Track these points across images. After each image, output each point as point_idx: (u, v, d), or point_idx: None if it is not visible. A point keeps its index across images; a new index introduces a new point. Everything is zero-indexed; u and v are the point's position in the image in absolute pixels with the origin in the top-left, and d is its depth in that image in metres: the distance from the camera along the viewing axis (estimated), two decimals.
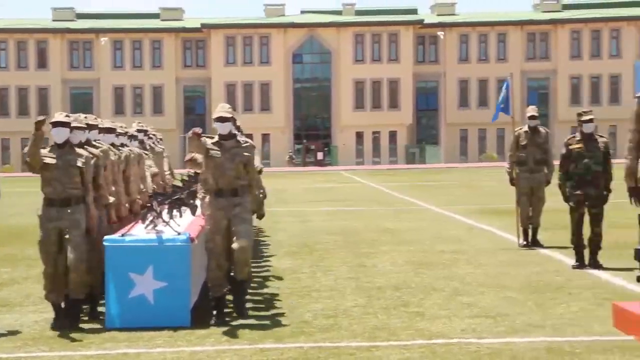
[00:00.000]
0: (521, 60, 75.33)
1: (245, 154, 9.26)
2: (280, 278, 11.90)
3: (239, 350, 7.86)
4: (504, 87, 15.72)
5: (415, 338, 8.14)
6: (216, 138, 9.31)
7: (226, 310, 9.28)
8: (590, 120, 12.56)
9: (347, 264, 13.19)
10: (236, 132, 9.52)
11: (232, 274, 9.46)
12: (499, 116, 15.89)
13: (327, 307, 9.76)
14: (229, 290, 9.44)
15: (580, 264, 12.42)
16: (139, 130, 13.49)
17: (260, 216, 13.73)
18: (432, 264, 12.95)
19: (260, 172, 12.07)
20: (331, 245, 15.66)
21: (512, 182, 15.10)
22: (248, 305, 9.66)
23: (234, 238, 9.10)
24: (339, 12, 78.84)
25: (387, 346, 7.87)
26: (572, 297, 10.02)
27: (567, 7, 78.67)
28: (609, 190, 12.54)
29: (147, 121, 26.27)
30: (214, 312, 9.15)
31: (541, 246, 14.65)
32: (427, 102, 76.77)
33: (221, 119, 9.25)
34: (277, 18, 76.58)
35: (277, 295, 10.61)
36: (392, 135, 75.29)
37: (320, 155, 73.88)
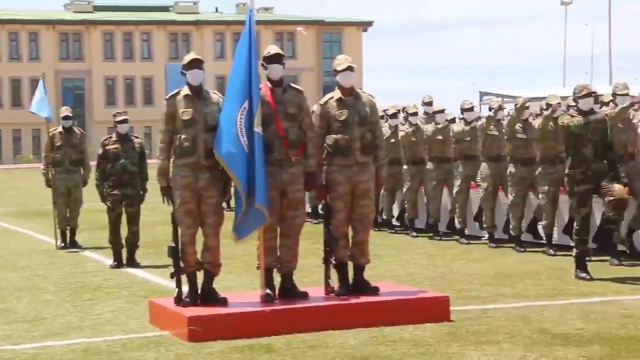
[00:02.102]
0: (55, 60, 74.47)
1: None
2: None
3: None
4: (39, 88, 15.38)
5: None
6: None
7: None
8: (125, 121, 12.75)
9: None
10: None
11: None
12: (44, 113, 15.25)
13: None
14: None
15: (118, 263, 12.56)
16: None
17: None
18: None
19: None
20: None
21: (49, 183, 14.92)
22: None
23: None
24: None
25: None
26: (109, 296, 10.11)
27: (98, 8, 79.06)
28: (145, 190, 12.83)
29: None
30: None
31: (79, 247, 14.62)
32: None
33: None
34: None
35: None
36: None
37: None
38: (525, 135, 12.95)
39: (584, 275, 10.38)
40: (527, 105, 13.16)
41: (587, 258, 10.62)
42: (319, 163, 8.67)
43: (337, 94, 8.79)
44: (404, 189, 15.58)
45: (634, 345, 7.19)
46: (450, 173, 14.57)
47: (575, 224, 10.65)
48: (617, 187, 10.32)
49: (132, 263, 12.60)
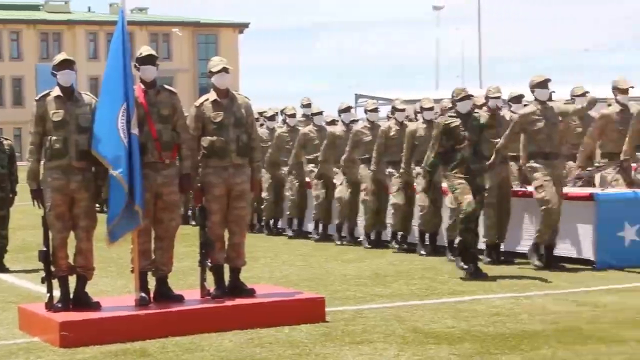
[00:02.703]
0: None
1: None
2: None
3: None
4: None
5: None
6: None
7: None
8: None
9: None
10: None
11: None
12: None
13: None
14: None
15: None
16: None
17: None
18: None
19: None
20: None
21: None
22: None
23: None
24: None
25: None
26: None
27: None
28: (14, 193, 12.52)
29: None
30: None
31: None
32: None
33: None
34: None
35: None
36: None
37: None
38: (399, 138, 13.15)
39: (462, 264, 10.61)
40: (429, 107, 13.34)
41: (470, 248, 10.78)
42: (194, 165, 8.62)
43: (212, 95, 8.76)
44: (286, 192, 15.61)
45: (502, 342, 7.38)
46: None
47: (460, 214, 10.75)
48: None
49: (1, 268, 12.29)
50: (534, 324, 8.04)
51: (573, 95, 13.09)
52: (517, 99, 12.55)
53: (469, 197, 10.57)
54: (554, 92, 11.81)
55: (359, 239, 14.28)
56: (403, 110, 13.52)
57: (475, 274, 10.56)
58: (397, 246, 13.32)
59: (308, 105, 16.33)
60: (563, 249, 11.45)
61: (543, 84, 11.39)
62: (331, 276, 11.13)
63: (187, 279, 10.37)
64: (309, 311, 8.35)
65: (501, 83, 13.11)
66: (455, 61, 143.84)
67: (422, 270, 11.32)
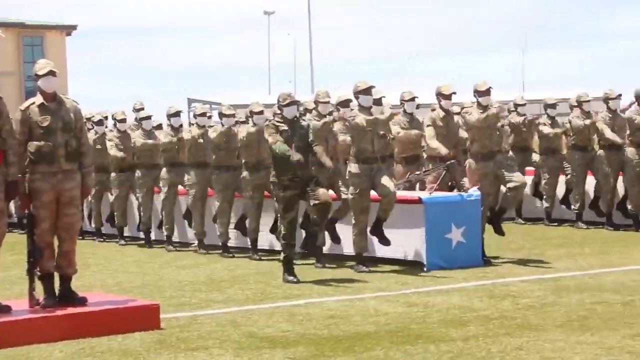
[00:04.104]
0: None
1: None
2: None
3: None
4: None
5: None
6: None
7: None
8: None
9: None
10: None
11: None
12: None
13: None
14: None
15: None
16: None
17: None
18: None
19: None
20: None
21: None
22: None
23: None
24: None
25: None
26: None
27: None
28: None
29: None
30: None
31: None
32: None
33: None
34: None
35: None
36: None
37: None
38: (229, 143, 13.20)
39: (291, 278, 10.67)
40: (233, 113, 13.42)
41: (293, 261, 10.94)
42: (20, 171, 8.37)
43: (39, 99, 8.53)
44: (112, 197, 15.52)
45: (336, 344, 7.47)
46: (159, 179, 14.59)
47: (282, 229, 10.93)
48: (322, 192, 10.73)
49: None
50: (366, 325, 8.18)
51: (402, 100, 13.38)
52: (345, 103, 12.71)
53: (290, 216, 10.68)
54: (384, 97, 12.06)
55: (191, 245, 14.25)
56: (232, 115, 13.52)
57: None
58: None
59: (140, 109, 16.14)
60: (394, 251, 11.69)
61: (367, 91, 11.57)
62: (166, 282, 11.02)
63: (14, 289, 10.05)
64: (143, 318, 8.23)
65: (332, 88, 13.29)
66: (287, 66, 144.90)
67: (257, 275, 11.35)
